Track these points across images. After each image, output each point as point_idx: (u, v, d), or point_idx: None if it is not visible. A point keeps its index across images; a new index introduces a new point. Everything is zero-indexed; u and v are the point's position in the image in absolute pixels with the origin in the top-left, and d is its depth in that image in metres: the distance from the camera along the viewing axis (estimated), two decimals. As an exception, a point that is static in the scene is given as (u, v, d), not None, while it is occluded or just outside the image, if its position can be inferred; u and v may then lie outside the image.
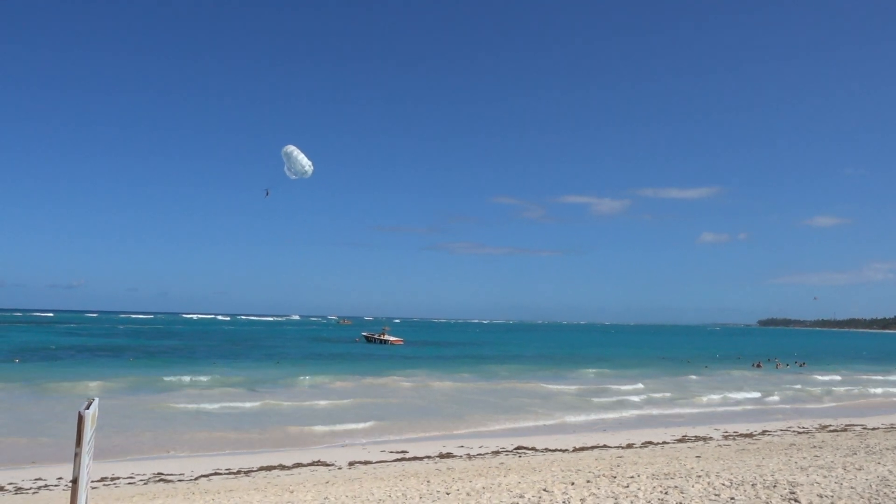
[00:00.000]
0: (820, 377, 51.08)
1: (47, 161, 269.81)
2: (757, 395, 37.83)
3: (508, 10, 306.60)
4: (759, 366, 62.59)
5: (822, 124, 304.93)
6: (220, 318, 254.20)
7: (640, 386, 40.16)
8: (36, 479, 16.06)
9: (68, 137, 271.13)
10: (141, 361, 50.87)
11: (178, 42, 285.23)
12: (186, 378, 37.59)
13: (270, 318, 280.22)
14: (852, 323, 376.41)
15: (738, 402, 34.95)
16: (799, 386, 43.66)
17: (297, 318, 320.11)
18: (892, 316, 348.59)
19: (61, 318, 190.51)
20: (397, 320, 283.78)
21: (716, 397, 36.30)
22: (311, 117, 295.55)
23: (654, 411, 31.10)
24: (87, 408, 5.94)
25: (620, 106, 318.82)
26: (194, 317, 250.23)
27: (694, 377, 48.58)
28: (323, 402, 30.65)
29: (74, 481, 5.74)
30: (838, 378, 50.27)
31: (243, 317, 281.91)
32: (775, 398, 37.09)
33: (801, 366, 64.50)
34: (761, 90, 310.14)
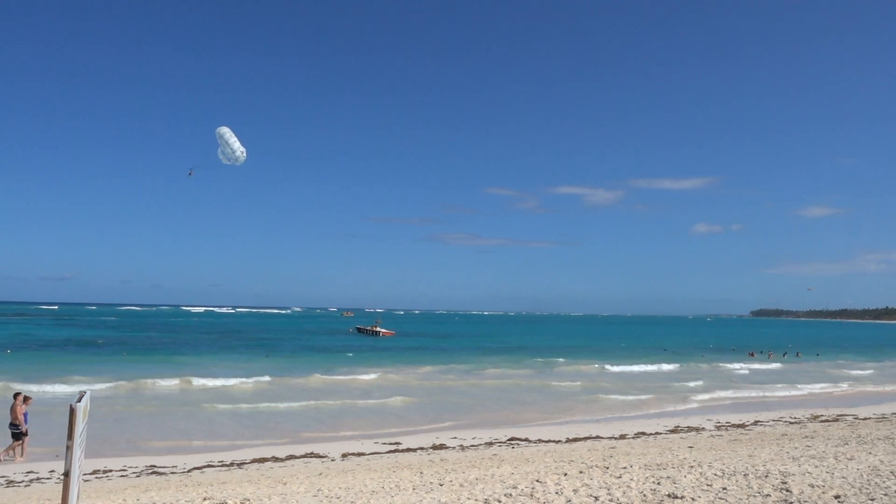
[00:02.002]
0: (813, 368, 51.41)
1: (38, 154, 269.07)
2: (750, 385, 37.98)
3: (504, 3, 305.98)
4: (752, 355, 63.39)
5: (816, 114, 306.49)
6: (218, 310, 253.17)
7: (701, 383, 38.37)
8: (27, 473, 16.00)
9: (60, 130, 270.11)
10: (137, 356, 50.59)
11: (175, 36, 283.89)
12: (185, 373, 36.95)
13: (275, 311, 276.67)
14: (844, 313, 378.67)
15: (733, 394, 35.04)
16: (792, 375, 43.91)
17: (299, 310, 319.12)
18: (883, 306, 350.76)
19: (64, 310, 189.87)
20: (400, 312, 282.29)
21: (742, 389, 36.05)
22: (306, 110, 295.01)
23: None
24: (79, 401, 5.90)
25: (614, 97, 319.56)
26: (200, 309, 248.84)
27: (744, 372, 47.45)
28: (345, 401, 29.37)
29: (66, 474, 5.71)
30: (832, 369, 50.56)
31: (244, 309, 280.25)
32: (767, 388, 37.20)
33: (797, 355, 65.14)
34: (754, 80, 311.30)
